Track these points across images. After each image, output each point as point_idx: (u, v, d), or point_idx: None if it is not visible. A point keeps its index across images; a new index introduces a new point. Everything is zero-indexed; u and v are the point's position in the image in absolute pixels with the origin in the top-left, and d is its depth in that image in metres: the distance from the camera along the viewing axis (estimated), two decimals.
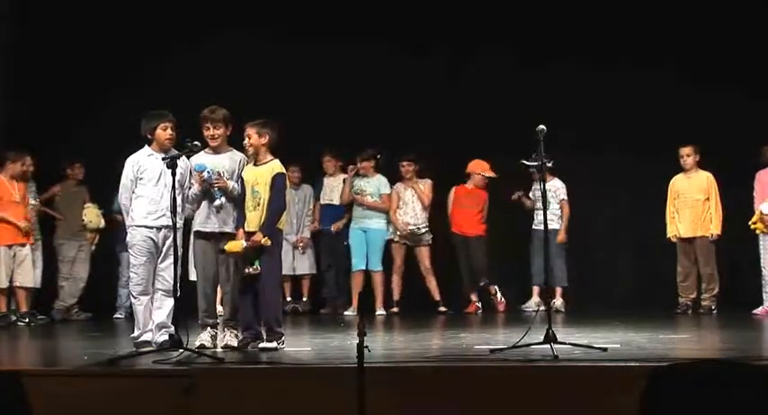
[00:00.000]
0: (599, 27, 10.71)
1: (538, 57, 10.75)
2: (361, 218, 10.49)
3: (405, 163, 10.54)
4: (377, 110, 10.78)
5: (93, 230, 10.51)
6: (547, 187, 10.25)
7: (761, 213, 9.50)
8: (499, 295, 10.46)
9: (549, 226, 10.29)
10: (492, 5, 10.83)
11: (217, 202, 6.89)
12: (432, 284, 10.50)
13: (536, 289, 10.43)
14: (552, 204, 10.27)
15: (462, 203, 10.59)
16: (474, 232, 10.56)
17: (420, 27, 10.92)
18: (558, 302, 10.18)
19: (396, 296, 10.47)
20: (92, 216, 10.46)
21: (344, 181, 10.62)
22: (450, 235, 10.59)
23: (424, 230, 10.49)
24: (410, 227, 10.43)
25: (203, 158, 6.95)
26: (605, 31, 10.68)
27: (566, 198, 10.32)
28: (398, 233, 10.48)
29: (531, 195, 10.53)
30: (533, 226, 10.45)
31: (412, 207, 10.51)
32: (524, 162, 10.19)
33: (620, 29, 10.68)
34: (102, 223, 10.49)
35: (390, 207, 10.50)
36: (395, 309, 10.40)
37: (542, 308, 9.99)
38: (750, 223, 9.53)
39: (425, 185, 10.56)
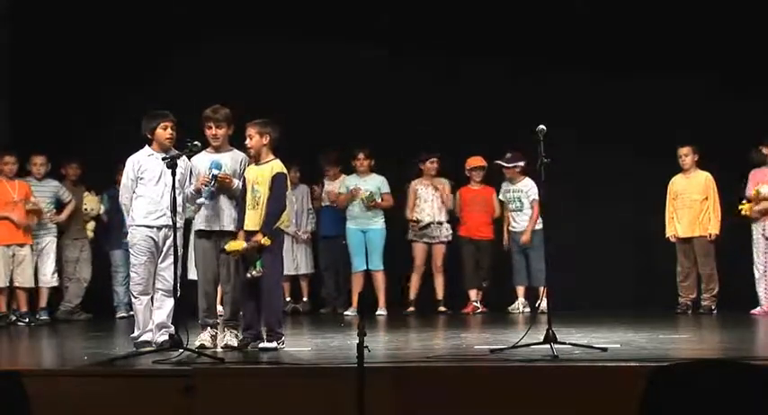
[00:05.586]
0: (598, 29, 10.71)
1: (536, 59, 10.73)
2: (360, 218, 10.47)
3: (429, 162, 10.52)
4: (378, 111, 10.78)
5: (93, 217, 10.54)
6: (519, 187, 10.42)
7: (757, 192, 9.45)
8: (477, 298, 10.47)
9: (523, 228, 10.36)
10: (491, 8, 10.83)
11: (200, 200, 6.89)
12: (439, 282, 10.52)
13: (520, 290, 10.44)
14: (525, 205, 10.32)
15: (472, 206, 10.60)
16: (484, 235, 10.58)
17: (420, 27, 10.92)
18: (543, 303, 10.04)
19: (412, 296, 10.47)
20: (92, 203, 10.51)
21: (339, 194, 10.60)
22: (455, 237, 10.60)
23: (438, 224, 10.47)
24: (424, 223, 10.42)
25: (206, 157, 6.96)
26: (605, 33, 10.68)
27: (537, 198, 10.14)
28: (413, 230, 10.48)
29: (501, 196, 10.55)
30: (510, 228, 10.49)
31: (430, 204, 10.51)
32: (500, 163, 10.35)
33: (619, 29, 10.67)
34: (102, 208, 10.52)
35: (408, 205, 10.51)
36: (411, 309, 10.39)
37: (527, 308, 10.16)
38: (740, 206, 9.50)
39: (442, 185, 10.55)
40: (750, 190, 9.57)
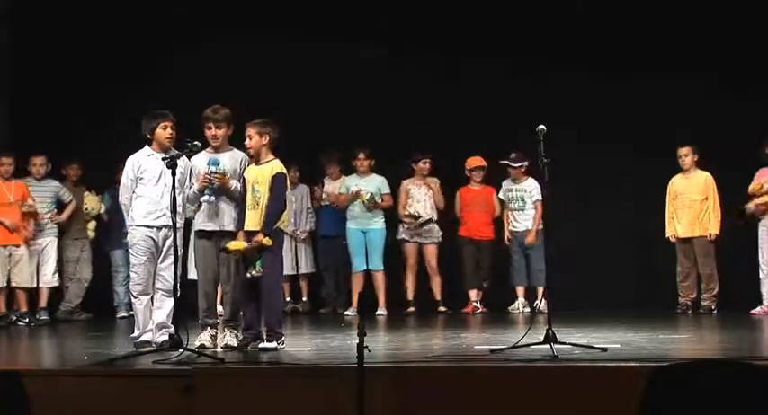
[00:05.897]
0: (598, 29, 10.71)
1: (536, 59, 10.73)
2: (360, 218, 10.47)
3: (422, 162, 10.53)
4: (377, 111, 10.78)
5: (94, 217, 10.55)
6: (522, 187, 10.46)
7: (760, 186, 9.44)
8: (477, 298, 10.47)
9: (525, 228, 10.40)
10: (491, 8, 10.83)
11: (205, 198, 6.89)
12: (436, 283, 10.52)
13: (520, 290, 10.45)
14: (527, 205, 10.34)
15: (472, 207, 10.61)
16: (484, 235, 10.58)
17: (420, 27, 10.93)
18: (542, 303, 10.04)
19: (410, 296, 10.48)
20: (93, 203, 10.52)
21: (340, 194, 10.60)
22: (455, 237, 10.61)
23: (432, 223, 10.47)
24: (423, 219, 10.42)
25: (205, 157, 6.96)
26: (605, 33, 10.68)
27: (540, 198, 10.14)
28: (407, 228, 10.47)
29: (501, 194, 10.58)
30: (511, 228, 10.51)
31: (423, 204, 10.50)
32: (506, 162, 10.38)
33: (619, 29, 10.68)
34: (103, 208, 10.53)
35: (399, 204, 10.51)
36: (411, 308, 10.40)
37: (527, 309, 10.19)
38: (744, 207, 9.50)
39: (436, 185, 10.56)
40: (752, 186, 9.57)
